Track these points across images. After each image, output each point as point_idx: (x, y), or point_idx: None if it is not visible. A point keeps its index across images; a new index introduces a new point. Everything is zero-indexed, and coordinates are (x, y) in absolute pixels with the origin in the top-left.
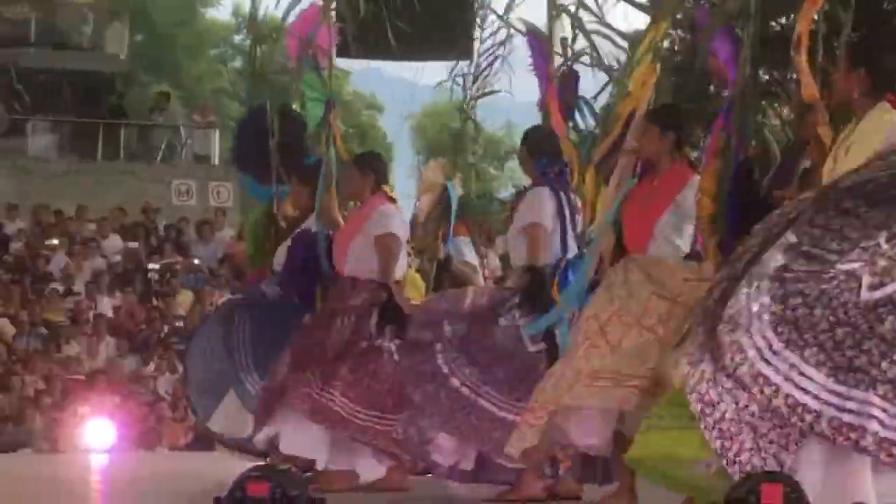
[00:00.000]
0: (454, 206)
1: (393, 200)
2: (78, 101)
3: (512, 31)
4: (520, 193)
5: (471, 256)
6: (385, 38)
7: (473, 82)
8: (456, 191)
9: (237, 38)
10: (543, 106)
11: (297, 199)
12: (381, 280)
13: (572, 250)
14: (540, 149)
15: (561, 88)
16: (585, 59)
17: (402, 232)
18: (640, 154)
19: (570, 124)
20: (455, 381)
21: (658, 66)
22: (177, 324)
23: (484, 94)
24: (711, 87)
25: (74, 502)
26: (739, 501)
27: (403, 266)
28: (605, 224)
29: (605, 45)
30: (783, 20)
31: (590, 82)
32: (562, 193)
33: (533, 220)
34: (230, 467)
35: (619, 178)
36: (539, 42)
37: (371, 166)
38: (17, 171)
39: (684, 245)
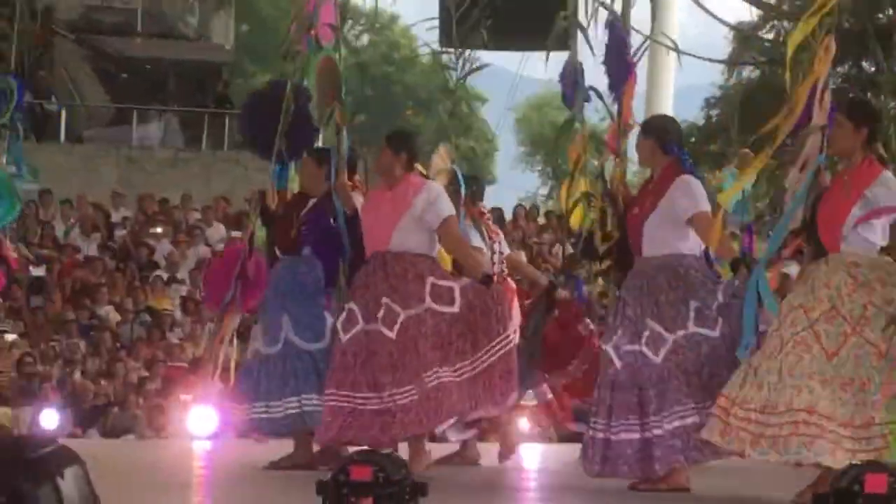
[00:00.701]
0: (464, 191)
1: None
2: (183, 91)
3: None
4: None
5: (477, 240)
6: (488, 29)
7: None
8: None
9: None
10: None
11: (310, 180)
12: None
13: None
14: (670, 136)
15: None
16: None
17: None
18: (831, 146)
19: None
20: None
21: (832, 40)
22: None
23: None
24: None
25: (178, 488)
26: (844, 491)
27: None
28: (795, 202)
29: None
30: (889, 11)
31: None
32: None
33: (700, 209)
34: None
35: (807, 156)
36: (620, 35)
37: (404, 145)
38: (123, 160)
39: (878, 240)
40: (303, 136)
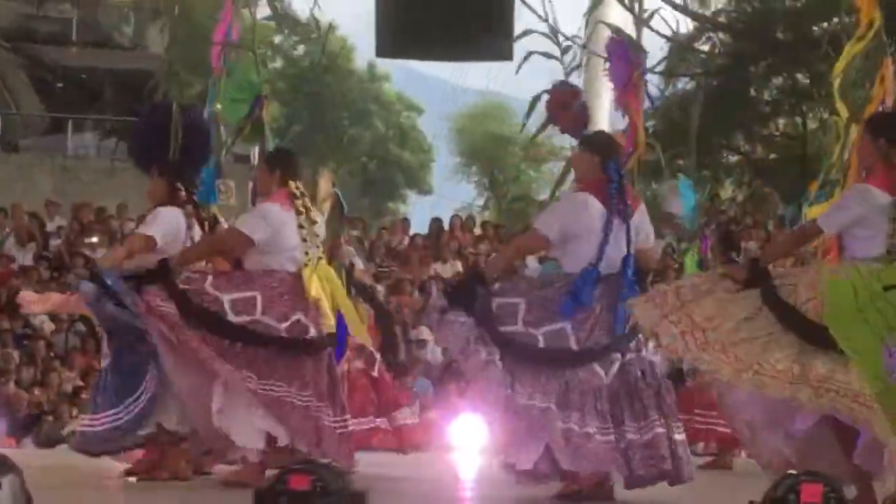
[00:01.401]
0: (343, 213)
1: (295, 197)
2: (119, 100)
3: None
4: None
5: (359, 262)
6: (425, 39)
7: None
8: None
9: (277, 39)
10: (621, 106)
11: (263, 186)
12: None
13: (613, 259)
14: (610, 153)
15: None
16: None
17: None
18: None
19: None
20: None
21: (889, 61)
22: None
23: None
24: (752, 91)
25: (115, 498)
26: (779, 501)
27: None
28: None
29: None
30: (824, 24)
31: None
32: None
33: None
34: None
35: None
36: (625, 47)
37: (276, 163)
38: (58, 169)
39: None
40: (194, 155)
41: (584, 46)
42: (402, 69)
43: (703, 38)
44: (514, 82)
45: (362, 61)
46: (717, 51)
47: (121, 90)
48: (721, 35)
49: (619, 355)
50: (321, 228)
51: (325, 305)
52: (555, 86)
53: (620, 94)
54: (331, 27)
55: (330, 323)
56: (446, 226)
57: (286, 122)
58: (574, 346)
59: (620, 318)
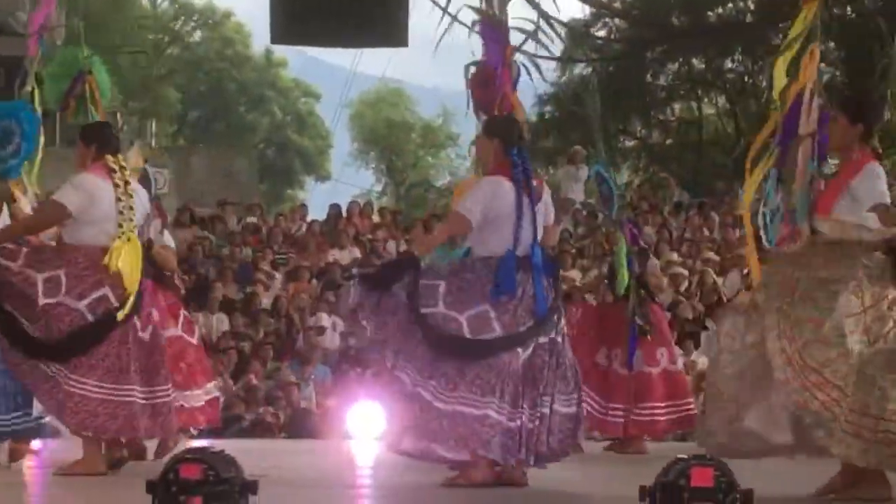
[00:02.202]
0: (154, 190)
1: (113, 170)
2: (12, 87)
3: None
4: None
5: (169, 240)
6: (320, 25)
7: None
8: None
9: (174, 25)
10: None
11: (79, 160)
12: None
13: (525, 242)
14: (512, 138)
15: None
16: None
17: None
18: (830, 142)
19: None
20: None
21: (817, 48)
22: None
23: None
24: (648, 77)
25: (3, 488)
26: (670, 485)
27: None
28: (800, 210)
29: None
30: (719, 10)
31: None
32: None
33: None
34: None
35: (803, 163)
36: (494, 28)
37: (92, 137)
38: None
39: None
40: None
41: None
42: (300, 55)
43: (600, 24)
44: (411, 69)
45: (260, 47)
46: (613, 37)
47: (14, 76)
48: (617, 21)
49: (537, 338)
50: (141, 203)
51: (128, 278)
52: (478, 62)
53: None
54: (226, 14)
55: (128, 294)
56: (345, 212)
57: (183, 109)
58: (499, 330)
59: (541, 300)
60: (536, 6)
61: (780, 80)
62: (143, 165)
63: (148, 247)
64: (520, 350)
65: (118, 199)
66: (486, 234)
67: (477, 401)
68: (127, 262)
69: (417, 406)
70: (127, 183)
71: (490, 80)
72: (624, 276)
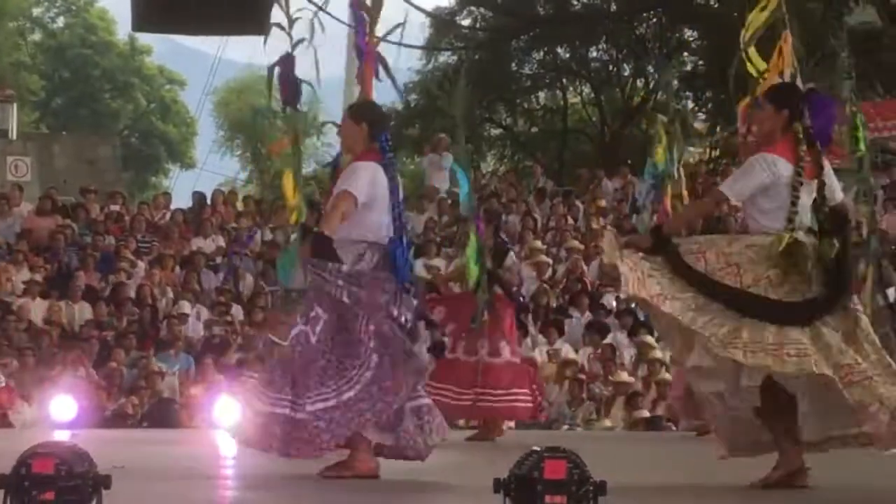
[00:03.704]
0: None
1: None
2: None
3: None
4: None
5: None
6: (184, 12)
7: None
8: None
9: (36, 11)
10: (360, 78)
11: None
12: None
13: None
14: (380, 123)
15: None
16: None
17: None
18: (756, 129)
19: None
20: None
21: (788, 34)
22: None
23: None
24: (513, 65)
25: None
26: (524, 477)
27: None
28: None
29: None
30: None
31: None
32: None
33: (341, 188)
34: (18, 445)
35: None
36: (360, 16)
37: None
38: None
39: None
40: None
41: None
42: (165, 42)
43: (465, 13)
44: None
45: (124, 34)
46: (478, 25)
47: None
48: (482, 10)
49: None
50: None
51: None
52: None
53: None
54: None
55: None
56: (209, 200)
57: (47, 96)
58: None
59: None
60: None
61: (760, 64)
62: None
63: None
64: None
65: None
66: (365, 218)
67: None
68: None
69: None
70: None
71: (288, 73)
72: (473, 271)
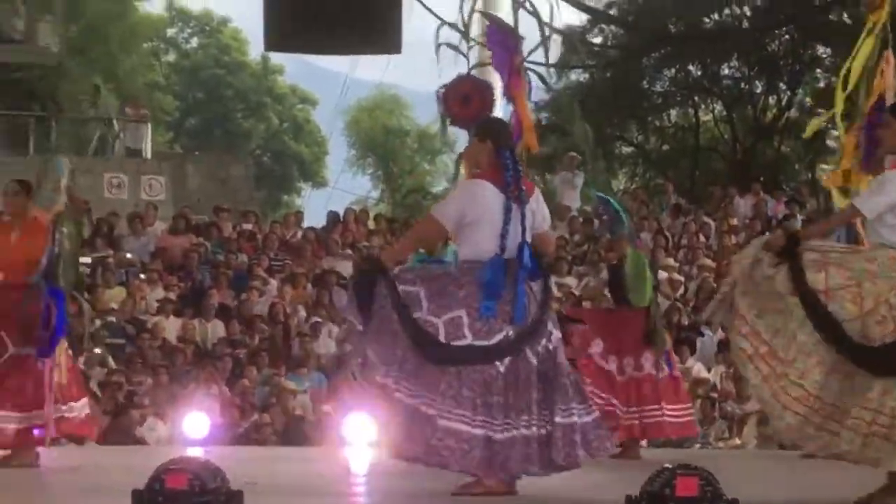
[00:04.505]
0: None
1: None
2: (10, 94)
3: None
4: None
5: None
6: (313, 32)
7: None
8: None
9: (170, 32)
10: (508, 97)
11: None
12: None
13: (512, 246)
14: (505, 141)
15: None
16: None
17: None
18: (882, 145)
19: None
20: None
21: (890, 55)
22: (108, 318)
23: None
24: (645, 83)
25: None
26: (655, 495)
27: None
28: None
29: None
30: (715, 16)
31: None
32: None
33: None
34: (151, 462)
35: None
36: (503, 34)
37: None
38: None
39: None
40: None
41: (467, 36)
42: (297, 62)
43: (596, 31)
44: (407, 75)
45: (256, 54)
46: (609, 43)
47: (11, 84)
48: (613, 27)
49: (521, 347)
50: None
51: None
52: (456, 79)
53: (506, 83)
54: (222, 20)
55: None
56: (341, 219)
57: (181, 116)
58: (469, 337)
59: (520, 307)
60: (535, 13)
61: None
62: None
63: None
64: (498, 363)
65: None
66: (466, 237)
67: (450, 413)
68: None
69: (408, 415)
70: None
71: (471, 96)
72: (648, 288)
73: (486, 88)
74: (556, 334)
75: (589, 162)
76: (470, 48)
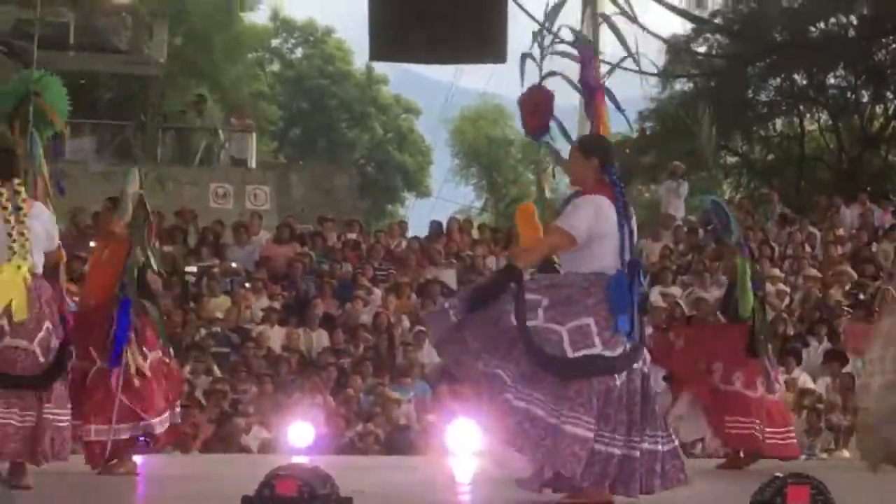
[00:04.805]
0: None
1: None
2: (116, 105)
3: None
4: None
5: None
6: (417, 42)
7: None
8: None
9: (275, 42)
10: (589, 113)
11: None
12: None
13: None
14: (610, 157)
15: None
16: (627, 63)
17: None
18: None
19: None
20: None
21: None
22: (213, 327)
23: None
24: (750, 92)
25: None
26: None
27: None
28: None
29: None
30: (821, 24)
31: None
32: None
33: (557, 222)
34: (257, 470)
35: None
36: (584, 49)
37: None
38: (55, 174)
39: None
40: None
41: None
42: (401, 71)
43: (700, 40)
44: (512, 84)
45: (361, 64)
46: (713, 52)
47: (118, 94)
48: (718, 36)
49: (632, 365)
50: (37, 228)
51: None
52: (528, 90)
53: (589, 99)
54: (327, 30)
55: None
56: (445, 228)
57: (285, 126)
58: (599, 345)
59: (635, 323)
60: (634, 21)
61: None
62: (139, 191)
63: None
64: (616, 376)
65: (6, 222)
66: (590, 251)
67: (578, 420)
68: (9, 288)
69: (522, 420)
70: (18, 209)
71: (540, 106)
72: (749, 299)
73: (551, 99)
74: (648, 357)
75: (711, 164)
76: (543, 57)
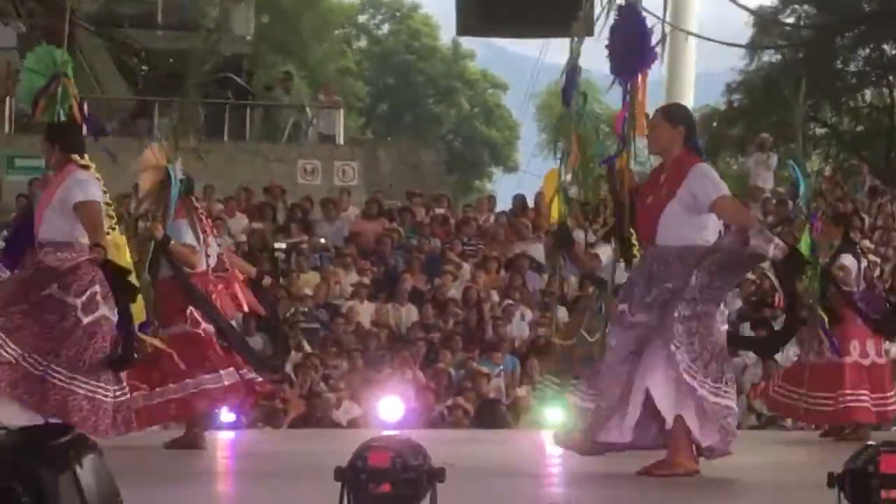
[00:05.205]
0: (175, 189)
1: (86, 168)
2: (204, 82)
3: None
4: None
5: (189, 238)
6: (505, 16)
7: None
8: (178, 173)
9: (362, 18)
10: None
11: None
12: (94, 242)
13: None
14: (695, 127)
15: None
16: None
17: (100, 197)
18: None
19: None
20: None
21: None
22: (303, 304)
23: None
24: (838, 63)
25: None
26: (859, 471)
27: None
28: None
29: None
30: None
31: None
32: None
33: (721, 192)
34: (348, 444)
35: None
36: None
37: (58, 137)
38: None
39: None
40: None
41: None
42: (487, 46)
43: (788, 11)
44: (599, 58)
45: (447, 39)
46: (801, 23)
47: (205, 72)
48: (806, 7)
49: None
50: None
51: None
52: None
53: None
54: (413, 6)
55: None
56: (530, 202)
57: (372, 102)
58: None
59: None
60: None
61: None
62: (166, 164)
63: (164, 242)
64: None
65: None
66: (707, 221)
67: (729, 392)
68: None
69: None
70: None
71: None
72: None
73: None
74: None
75: (798, 137)
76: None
